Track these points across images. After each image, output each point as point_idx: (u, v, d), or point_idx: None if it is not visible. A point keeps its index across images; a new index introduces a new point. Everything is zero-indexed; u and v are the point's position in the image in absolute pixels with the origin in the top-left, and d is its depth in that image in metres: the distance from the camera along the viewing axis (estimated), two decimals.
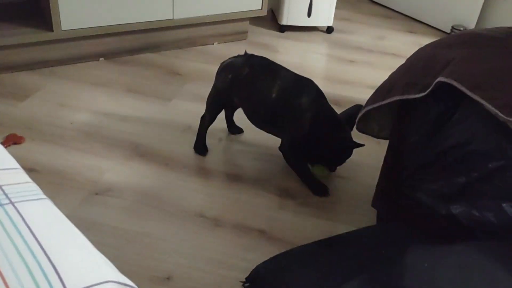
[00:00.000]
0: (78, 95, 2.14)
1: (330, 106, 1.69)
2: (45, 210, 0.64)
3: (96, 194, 1.62)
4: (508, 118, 1.00)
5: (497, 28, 1.37)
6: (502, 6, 2.99)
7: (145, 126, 1.98)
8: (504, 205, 1.07)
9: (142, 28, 2.42)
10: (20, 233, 0.58)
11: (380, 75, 2.47)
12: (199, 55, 2.62)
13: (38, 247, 0.55)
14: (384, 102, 1.29)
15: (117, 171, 1.73)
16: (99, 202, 1.59)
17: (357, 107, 1.69)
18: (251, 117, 1.76)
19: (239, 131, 1.98)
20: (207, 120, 1.83)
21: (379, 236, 1.18)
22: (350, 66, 2.68)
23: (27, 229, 0.58)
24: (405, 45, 3.03)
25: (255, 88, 1.68)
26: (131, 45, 2.48)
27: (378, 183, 1.52)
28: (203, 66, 2.50)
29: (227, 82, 1.72)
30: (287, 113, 1.65)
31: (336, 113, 1.69)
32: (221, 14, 2.61)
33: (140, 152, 1.84)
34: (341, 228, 1.58)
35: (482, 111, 1.08)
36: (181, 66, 2.48)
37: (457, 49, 1.18)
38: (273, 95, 1.65)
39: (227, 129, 1.99)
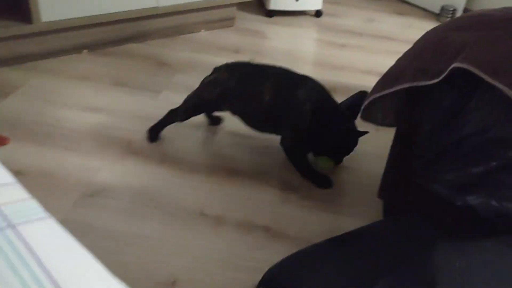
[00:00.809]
0: (63, 91, 2.03)
1: (330, 96, 1.63)
2: (51, 233, 0.56)
3: (90, 195, 1.53)
4: None
5: (504, 8, 1.32)
6: None
7: (136, 121, 1.89)
8: None
9: (126, 17, 2.31)
10: (26, 263, 0.50)
11: (373, 59, 2.44)
12: (187, 43, 2.52)
13: (49, 280, 0.48)
14: (393, 89, 1.23)
15: (110, 170, 1.64)
16: (93, 204, 1.50)
17: (361, 94, 1.64)
18: (250, 124, 1.71)
19: (220, 121, 1.91)
20: (179, 119, 1.76)
21: (395, 231, 1.14)
22: (342, 50, 2.62)
23: (33, 259, 0.51)
24: (395, 27, 2.98)
25: (246, 98, 1.63)
26: (115, 36, 2.37)
27: (385, 173, 1.47)
28: (192, 55, 2.41)
29: (215, 95, 1.66)
30: (285, 110, 1.59)
31: (336, 102, 1.63)
32: (208, 0, 2.51)
33: (133, 149, 1.75)
34: (347, 221, 1.54)
35: (500, 97, 1.03)
36: (169, 56, 2.38)
37: (469, 32, 1.13)
38: (267, 98, 1.59)
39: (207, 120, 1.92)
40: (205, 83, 1.71)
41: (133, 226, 1.44)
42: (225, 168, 1.71)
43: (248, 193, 1.61)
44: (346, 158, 1.75)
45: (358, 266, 0.99)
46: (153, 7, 2.35)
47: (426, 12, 3.19)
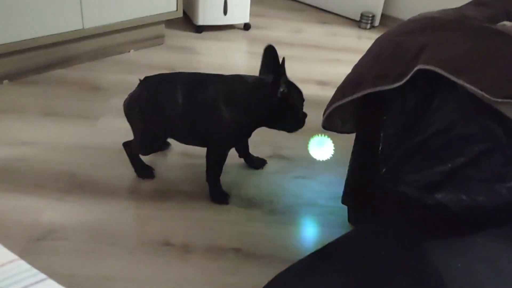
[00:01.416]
0: None
1: (243, 77, 1.53)
2: None
3: (38, 239, 1.38)
4: (496, 99, 0.99)
5: (444, 10, 1.39)
6: None
7: (75, 152, 1.75)
8: (496, 186, 1.08)
9: (50, 42, 2.15)
10: None
11: (308, 68, 2.46)
12: (116, 65, 2.40)
13: None
14: (354, 96, 1.24)
15: (56, 209, 1.50)
16: (44, 248, 1.35)
17: (269, 50, 1.56)
18: (176, 136, 1.59)
19: (168, 145, 1.79)
20: (140, 153, 1.66)
21: (376, 238, 1.13)
22: None
23: None
24: (321, 36, 3.06)
25: (161, 105, 1.49)
26: (38, 62, 2.19)
27: (347, 179, 1.48)
28: (125, 76, 2.29)
29: (139, 117, 1.52)
30: (202, 113, 1.46)
31: (254, 76, 1.54)
32: (135, 19, 2.41)
33: (78, 182, 1.61)
34: (316, 232, 1.53)
35: (463, 95, 1.07)
36: (101, 79, 2.24)
37: (422, 35, 1.16)
38: (180, 101, 1.46)
39: None
40: (126, 107, 1.57)
41: (92, 267, 1.32)
42: (182, 192, 1.63)
43: (212, 216, 1.54)
44: (303, 167, 1.74)
45: (352, 277, 0.97)
46: (78, 30, 2.21)
47: (347, 20, 3.31)
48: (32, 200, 1.51)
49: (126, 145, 1.66)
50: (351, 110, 1.38)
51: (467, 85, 1.02)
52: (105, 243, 1.40)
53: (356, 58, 2.87)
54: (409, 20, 1.29)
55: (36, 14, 2.04)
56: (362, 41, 3.02)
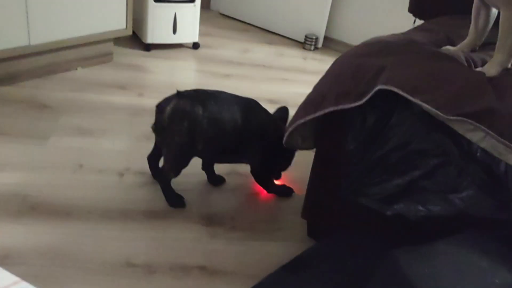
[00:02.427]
0: None
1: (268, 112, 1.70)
2: None
3: None
4: (448, 117, 1.09)
5: (394, 35, 1.49)
6: (344, 17, 3.31)
7: (27, 173, 1.67)
8: (450, 196, 1.17)
9: None
10: None
11: (259, 86, 2.53)
12: (63, 82, 2.33)
13: None
14: (317, 114, 1.29)
15: (9, 232, 1.42)
16: None
17: (285, 109, 1.75)
18: (216, 153, 1.64)
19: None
20: (171, 177, 1.62)
21: (343, 249, 1.18)
22: (228, 80, 2.67)
23: None
24: (269, 56, 3.15)
25: (221, 123, 1.54)
26: None
27: (307, 194, 1.53)
28: (73, 94, 2.23)
29: (186, 131, 1.51)
30: (255, 134, 1.62)
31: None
32: (84, 36, 2.36)
33: (31, 204, 1.54)
34: (277, 246, 1.56)
35: (418, 113, 1.16)
36: (48, 97, 2.17)
37: (380, 57, 1.25)
38: (239, 121, 1.57)
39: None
40: (169, 118, 1.52)
41: None
42: (141, 212, 1.60)
43: (173, 234, 1.53)
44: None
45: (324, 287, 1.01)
46: (24, 46, 2.13)
47: (292, 41, 3.43)
48: None
49: (159, 173, 1.65)
50: (311, 127, 1.44)
51: (423, 104, 1.11)
52: (65, 266, 1.35)
53: (303, 78, 2.99)
54: (364, 44, 1.37)
55: None
56: (308, 62, 3.15)
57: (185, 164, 1.59)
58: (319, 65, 3.13)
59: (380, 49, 1.29)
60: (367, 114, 1.23)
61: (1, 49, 2.05)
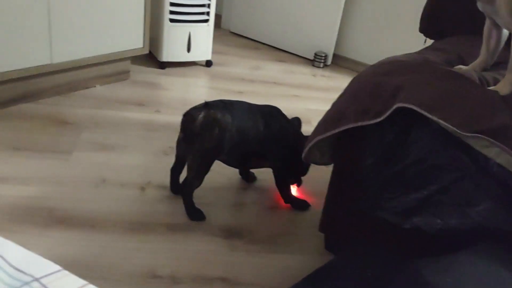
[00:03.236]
0: None
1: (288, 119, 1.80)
2: None
3: None
4: (465, 134, 1.14)
5: (408, 55, 1.56)
6: (353, 35, 3.39)
7: (52, 187, 1.73)
8: (467, 210, 1.21)
9: (17, 76, 2.12)
10: None
11: (271, 103, 2.57)
12: (84, 100, 2.40)
13: None
14: (336, 131, 1.35)
15: (36, 244, 1.47)
16: None
17: (297, 120, 1.84)
18: (237, 158, 1.73)
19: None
20: (195, 186, 1.67)
21: (362, 260, 1.22)
22: (240, 96, 2.73)
23: None
24: (279, 73, 3.22)
25: (246, 130, 1.65)
26: (3, 97, 2.16)
27: (324, 207, 1.57)
28: (93, 111, 2.30)
29: (216, 138, 1.59)
30: (276, 139, 1.71)
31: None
32: (103, 55, 2.44)
33: (57, 217, 1.59)
34: (295, 259, 1.60)
35: (435, 130, 1.21)
36: (69, 113, 2.23)
37: (397, 76, 1.31)
38: (261, 128, 1.67)
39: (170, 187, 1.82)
40: (200, 127, 1.59)
41: None
42: (163, 224, 1.65)
43: (194, 246, 1.58)
44: (276, 196, 1.83)
45: None
46: (46, 64, 2.20)
47: (302, 59, 3.51)
48: (9, 237, 1.47)
49: (183, 184, 1.73)
50: (329, 143, 1.49)
51: (440, 121, 1.16)
52: (92, 277, 1.39)
53: (313, 94, 3.06)
54: (381, 63, 1.43)
55: (5, 48, 2.03)
56: (318, 79, 3.21)
57: (208, 170, 1.66)
58: (329, 82, 3.19)
59: (397, 68, 1.35)
60: (385, 130, 1.28)
61: (25, 67, 2.13)
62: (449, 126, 1.15)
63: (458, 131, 1.14)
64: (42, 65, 2.19)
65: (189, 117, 1.62)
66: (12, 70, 2.09)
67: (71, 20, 2.22)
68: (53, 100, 2.33)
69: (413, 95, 1.20)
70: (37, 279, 0.57)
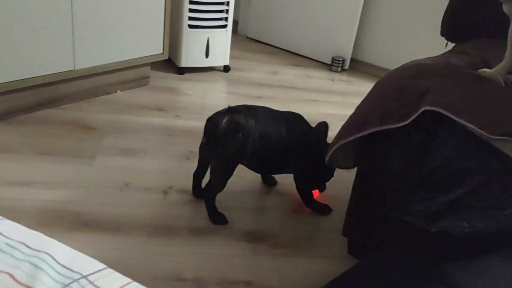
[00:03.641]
0: None
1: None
2: None
3: None
4: (493, 137, 1.13)
5: (431, 58, 1.55)
6: (370, 39, 3.39)
7: (78, 191, 1.76)
8: (495, 213, 1.20)
9: (41, 82, 2.16)
10: None
11: (289, 107, 2.59)
12: (104, 105, 2.43)
13: None
14: (360, 134, 1.35)
15: None
16: None
17: (324, 125, 1.83)
18: (259, 163, 1.73)
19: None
20: (218, 190, 1.69)
21: (388, 264, 1.22)
22: (258, 101, 2.75)
23: None
24: (297, 77, 3.23)
25: (269, 135, 1.66)
26: (27, 103, 2.20)
27: (348, 211, 1.57)
28: (114, 116, 2.33)
29: (239, 142, 1.61)
30: (298, 145, 1.72)
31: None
32: (124, 60, 2.48)
33: (84, 221, 1.62)
34: (318, 263, 1.60)
35: (462, 133, 1.21)
36: (91, 119, 2.27)
37: (421, 79, 1.31)
38: (284, 134, 1.68)
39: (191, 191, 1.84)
40: (225, 130, 1.60)
41: None
42: (186, 228, 1.67)
43: (218, 250, 1.59)
44: (297, 201, 1.83)
45: None
46: (69, 70, 2.24)
47: (319, 63, 3.51)
48: None
49: (205, 189, 1.74)
50: (353, 147, 1.49)
51: (468, 124, 1.15)
52: None
53: (332, 99, 3.06)
54: (404, 67, 1.43)
55: (30, 55, 2.07)
56: (336, 83, 3.21)
57: (231, 174, 1.67)
58: (347, 86, 3.19)
59: (421, 71, 1.35)
60: (412, 134, 1.28)
61: (49, 73, 2.16)
62: (476, 129, 1.15)
63: (486, 134, 1.14)
64: (66, 71, 2.23)
65: (212, 121, 1.63)
66: (36, 76, 2.13)
67: (93, 28, 2.26)
68: (76, 105, 2.37)
69: (440, 98, 1.20)
70: (84, 276, 0.59)
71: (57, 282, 0.57)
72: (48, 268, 0.60)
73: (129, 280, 0.61)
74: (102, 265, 0.63)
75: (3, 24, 1.94)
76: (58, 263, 0.61)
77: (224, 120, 1.60)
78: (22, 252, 0.63)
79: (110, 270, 0.63)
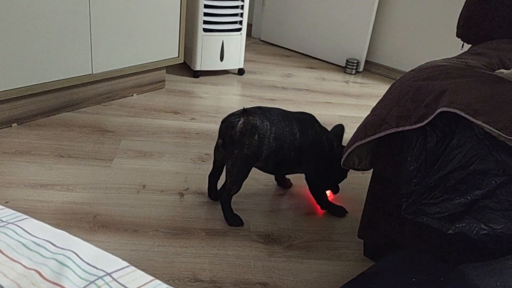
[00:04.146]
0: (2, 169, 1.85)
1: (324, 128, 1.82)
2: None
3: None
4: (511, 138, 1.13)
5: (447, 59, 1.55)
6: (385, 41, 3.38)
7: (95, 192, 1.79)
8: None
9: (59, 86, 2.21)
10: None
11: (303, 110, 2.61)
12: (121, 108, 2.47)
13: None
14: (377, 136, 1.35)
15: None
16: None
17: (340, 127, 1.85)
18: (277, 167, 1.74)
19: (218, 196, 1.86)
20: (234, 191, 1.70)
21: (405, 266, 1.22)
22: (273, 104, 2.76)
23: None
24: (310, 80, 3.24)
25: (283, 136, 1.67)
26: (46, 106, 2.24)
27: (363, 214, 1.57)
28: (131, 120, 2.36)
29: (255, 144, 1.63)
30: (311, 146, 1.73)
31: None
32: (141, 64, 2.51)
33: (101, 222, 1.64)
34: (335, 265, 1.60)
35: (479, 134, 1.21)
36: (107, 122, 2.30)
37: (438, 80, 1.31)
38: (298, 135, 1.69)
39: (207, 193, 1.86)
40: (241, 132, 1.61)
41: None
42: (202, 229, 1.68)
43: (234, 251, 1.60)
44: (312, 204, 1.83)
45: None
46: (87, 75, 2.28)
47: (333, 66, 3.52)
48: None
49: (221, 191, 1.76)
50: (368, 148, 1.49)
51: (485, 125, 1.15)
52: None
53: (346, 101, 3.06)
54: (421, 68, 1.43)
55: (49, 60, 2.11)
56: (350, 85, 3.21)
57: (246, 175, 1.68)
58: (362, 88, 3.19)
59: (438, 73, 1.35)
60: (428, 135, 1.28)
61: (67, 77, 2.21)
62: (494, 130, 1.14)
63: (503, 135, 1.13)
64: (84, 76, 2.27)
65: (228, 123, 1.65)
66: (56, 80, 2.17)
67: (110, 33, 2.29)
68: (93, 109, 2.40)
69: (456, 99, 1.20)
70: (109, 274, 0.61)
71: (83, 279, 0.59)
72: (74, 266, 0.62)
73: (151, 277, 0.62)
74: (125, 263, 0.65)
75: (24, 31, 1.98)
76: (83, 260, 0.63)
77: (240, 122, 1.61)
78: (48, 250, 0.65)
79: (132, 268, 0.64)
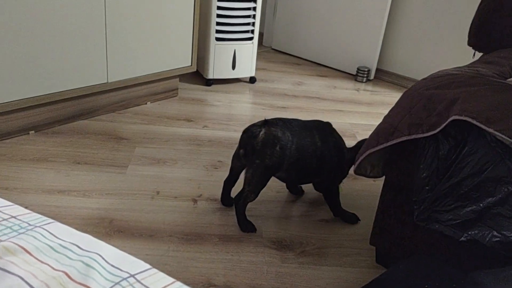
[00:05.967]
0: (20, 176, 1.89)
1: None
2: None
3: None
4: None
5: (459, 68, 1.57)
6: (396, 49, 3.40)
7: (111, 198, 1.82)
8: None
9: (76, 94, 2.25)
10: None
11: (315, 118, 2.63)
12: (135, 116, 2.51)
13: None
14: (390, 143, 1.37)
15: None
16: None
17: (363, 142, 1.83)
18: (294, 174, 1.74)
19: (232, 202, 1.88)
20: (251, 199, 1.72)
21: (418, 273, 1.23)
22: (284, 112, 2.79)
23: None
24: (321, 88, 3.26)
25: (305, 146, 1.69)
26: (62, 114, 2.29)
27: (375, 221, 1.59)
28: (146, 127, 2.40)
29: (277, 155, 1.65)
30: (333, 153, 1.75)
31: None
32: (155, 73, 2.55)
33: (117, 227, 1.68)
34: (347, 272, 1.61)
35: (491, 142, 1.22)
36: (122, 129, 2.34)
37: (450, 89, 1.32)
38: (319, 144, 1.72)
39: (220, 200, 1.89)
40: (262, 143, 1.63)
41: None
42: (216, 235, 1.71)
43: (247, 257, 1.62)
44: (327, 210, 1.85)
45: None
46: (103, 83, 2.32)
47: (343, 74, 3.54)
48: None
49: (237, 199, 1.77)
50: (380, 156, 1.51)
51: (497, 133, 1.17)
52: None
53: (358, 109, 3.08)
54: (432, 76, 1.45)
55: (66, 69, 2.16)
56: (361, 93, 3.23)
57: (265, 185, 1.71)
58: (373, 96, 3.20)
59: (450, 81, 1.37)
60: (440, 143, 1.30)
61: (84, 86, 2.25)
62: (506, 138, 1.16)
63: None
64: (99, 84, 2.32)
65: (250, 133, 1.67)
66: (72, 89, 2.22)
67: (125, 43, 2.34)
68: (108, 116, 2.45)
69: (468, 107, 1.22)
70: (132, 275, 0.63)
71: (108, 280, 0.62)
72: (99, 267, 0.65)
73: (172, 279, 0.65)
74: (148, 265, 0.68)
75: (43, 42, 2.03)
76: (108, 262, 0.65)
77: (262, 132, 1.64)
78: (75, 252, 0.67)
79: (155, 270, 0.67)
